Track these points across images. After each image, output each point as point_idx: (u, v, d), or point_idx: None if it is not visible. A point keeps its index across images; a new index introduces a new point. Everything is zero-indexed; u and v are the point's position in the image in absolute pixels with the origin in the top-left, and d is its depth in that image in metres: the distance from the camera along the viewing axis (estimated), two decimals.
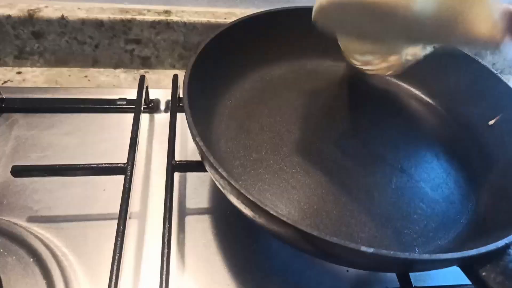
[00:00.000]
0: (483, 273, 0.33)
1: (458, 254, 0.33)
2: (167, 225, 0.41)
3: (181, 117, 0.57)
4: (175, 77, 0.59)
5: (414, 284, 0.41)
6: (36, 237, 0.46)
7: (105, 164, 0.46)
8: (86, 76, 0.68)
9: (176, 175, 0.53)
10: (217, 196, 0.52)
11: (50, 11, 0.63)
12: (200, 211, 0.50)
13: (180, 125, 0.56)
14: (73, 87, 0.65)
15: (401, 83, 0.62)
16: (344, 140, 0.52)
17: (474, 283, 0.34)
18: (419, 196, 0.47)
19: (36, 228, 0.47)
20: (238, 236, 0.48)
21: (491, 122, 0.51)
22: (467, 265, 0.34)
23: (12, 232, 0.45)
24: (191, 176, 0.54)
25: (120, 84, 0.68)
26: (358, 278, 0.46)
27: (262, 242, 0.48)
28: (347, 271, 0.47)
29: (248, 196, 0.33)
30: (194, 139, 0.38)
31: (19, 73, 0.66)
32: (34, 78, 0.66)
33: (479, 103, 0.53)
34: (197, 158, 0.43)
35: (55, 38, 0.64)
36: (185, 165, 0.47)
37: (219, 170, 0.35)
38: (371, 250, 0.31)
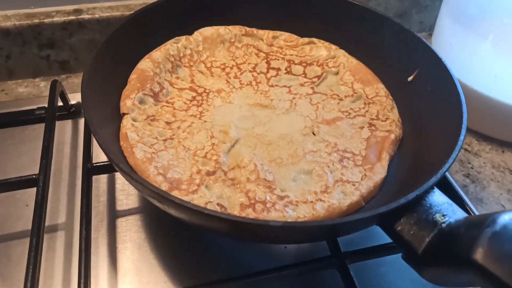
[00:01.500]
0: (398, 228, 0.33)
1: (371, 212, 0.33)
2: (83, 232, 0.39)
3: None
4: None
5: (343, 249, 0.41)
6: None
7: (14, 178, 0.43)
8: (3, 90, 0.64)
9: (103, 178, 0.51)
10: None
11: None
12: (130, 212, 0.49)
13: None
14: None
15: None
16: None
17: (392, 239, 0.34)
18: None
19: None
20: (169, 231, 0.47)
21: (409, 79, 0.50)
22: (385, 223, 0.34)
23: None
24: (120, 178, 0.52)
25: (41, 93, 0.65)
26: (297, 253, 0.46)
27: (194, 234, 0.46)
28: (285, 247, 0.46)
29: (152, 188, 0.32)
30: (95, 136, 0.36)
31: None
32: None
33: (397, 61, 0.52)
34: None
35: None
36: (103, 167, 0.45)
37: (120, 166, 0.34)
38: (279, 223, 0.31)
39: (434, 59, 0.47)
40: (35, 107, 0.58)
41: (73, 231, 0.47)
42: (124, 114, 0.45)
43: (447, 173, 0.52)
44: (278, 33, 0.59)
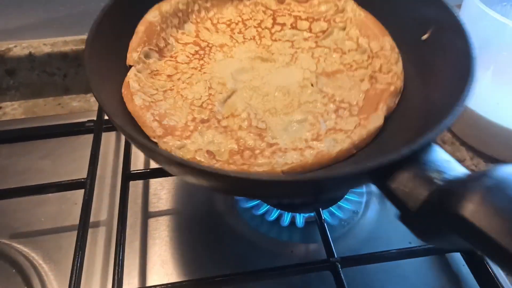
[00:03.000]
0: (392, 185, 0.31)
1: (360, 167, 0.32)
2: (120, 228, 0.47)
3: None
4: None
5: (337, 255, 0.46)
6: (17, 251, 0.52)
7: (66, 180, 0.52)
8: (59, 104, 0.75)
9: (140, 184, 0.60)
10: (174, 199, 0.58)
11: (19, 50, 0.70)
12: (160, 213, 0.56)
13: None
14: (48, 115, 0.72)
15: None
16: None
17: (386, 196, 0.32)
18: None
19: (16, 243, 0.53)
20: (191, 232, 0.54)
21: (424, 37, 0.48)
22: (377, 179, 0.32)
23: None
24: (154, 184, 0.60)
25: (91, 107, 0.74)
26: (299, 255, 0.52)
27: (212, 235, 0.54)
28: (292, 251, 0.52)
29: (139, 140, 0.34)
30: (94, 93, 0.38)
31: None
32: (13, 111, 0.73)
33: (410, 20, 0.50)
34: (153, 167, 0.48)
35: (27, 73, 0.71)
36: (139, 174, 0.54)
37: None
38: (265, 177, 0.33)
39: (448, 15, 0.44)
40: (85, 119, 0.67)
41: (112, 227, 0.55)
42: (130, 65, 0.46)
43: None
44: None
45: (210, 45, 0.51)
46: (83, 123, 0.67)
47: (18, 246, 0.53)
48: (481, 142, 0.65)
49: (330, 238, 0.48)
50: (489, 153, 0.66)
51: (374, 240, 0.54)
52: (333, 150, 0.39)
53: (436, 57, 0.46)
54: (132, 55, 0.46)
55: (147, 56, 0.48)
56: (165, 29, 0.50)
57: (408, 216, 0.31)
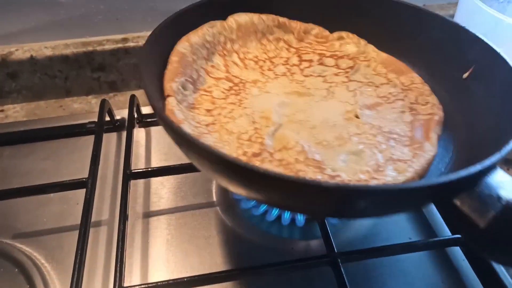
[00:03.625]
0: (458, 202, 0.31)
1: (427, 182, 0.32)
2: (121, 227, 0.47)
3: (144, 132, 0.65)
4: (132, 97, 0.65)
5: (337, 249, 0.46)
6: (20, 250, 0.53)
7: (68, 180, 0.53)
8: (61, 106, 0.75)
9: (141, 183, 0.60)
10: (175, 198, 0.59)
11: (20, 53, 0.71)
12: (161, 212, 0.57)
13: (145, 138, 0.63)
14: (49, 117, 0.73)
15: None
16: None
17: (450, 215, 0.35)
18: None
19: (19, 243, 0.54)
20: (192, 230, 0.55)
21: (465, 75, 0.49)
22: (441, 198, 0.33)
23: None
24: (154, 183, 0.60)
25: (92, 109, 0.75)
26: (300, 251, 0.52)
27: (211, 235, 0.54)
28: (292, 248, 0.52)
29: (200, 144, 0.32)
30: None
31: (1, 111, 0.74)
32: (15, 113, 0.74)
33: (450, 58, 0.51)
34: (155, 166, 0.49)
35: (29, 76, 0.72)
36: (140, 173, 0.54)
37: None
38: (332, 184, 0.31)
39: (490, 52, 0.46)
40: (86, 121, 0.68)
41: (113, 227, 0.55)
42: (168, 96, 0.45)
43: None
44: (310, 26, 0.59)
45: (243, 81, 0.51)
46: (84, 124, 0.68)
47: (21, 246, 0.54)
48: None
49: (330, 233, 0.48)
50: None
51: (373, 236, 0.54)
52: (399, 180, 0.39)
53: (478, 90, 0.47)
54: (171, 86, 0.45)
55: (184, 87, 0.47)
56: (196, 61, 0.50)
57: (475, 234, 0.31)
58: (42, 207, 0.58)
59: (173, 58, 0.48)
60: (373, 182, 0.38)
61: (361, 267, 0.50)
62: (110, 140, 0.67)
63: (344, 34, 0.58)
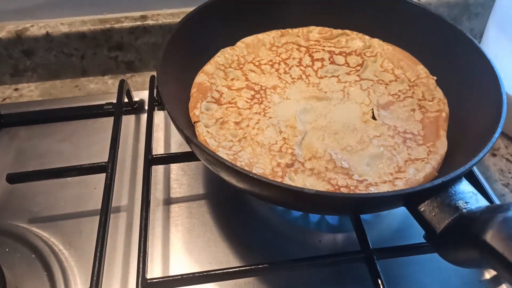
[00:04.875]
0: (421, 209, 0.36)
1: (396, 192, 0.38)
2: (144, 213, 0.45)
3: (163, 115, 0.62)
4: (152, 78, 0.63)
5: (372, 246, 0.44)
6: (37, 235, 0.51)
7: (87, 164, 0.51)
8: (77, 86, 0.73)
9: (160, 169, 0.58)
10: (197, 185, 0.56)
11: (36, 29, 0.68)
12: (182, 200, 0.54)
13: (165, 121, 0.61)
14: (66, 97, 0.70)
15: None
16: None
17: (415, 219, 0.37)
18: None
19: (36, 228, 0.52)
20: (216, 220, 0.52)
21: None
22: (410, 204, 0.38)
23: (16, 233, 0.51)
24: (175, 169, 0.58)
25: (108, 89, 0.72)
26: (331, 246, 0.50)
27: (236, 223, 0.52)
28: (320, 241, 0.50)
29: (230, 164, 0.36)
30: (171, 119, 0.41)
31: (16, 89, 0.72)
32: (30, 92, 0.71)
33: (455, 68, 0.53)
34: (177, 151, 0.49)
35: (44, 54, 0.69)
36: (162, 158, 0.52)
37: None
38: (313, 191, 0.35)
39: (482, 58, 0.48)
40: (103, 102, 0.66)
41: (133, 213, 0.53)
42: (195, 122, 0.49)
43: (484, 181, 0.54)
44: (311, 28, 0.62)
45: (264, 88, 0.54)
46: (101, 105, 0.66)
47: (38, 230, 0.52)
48: None
49: (364, 229, 0.45)
50: None
51: (404, 230, 0.52)
52: (420, 176, 0.43)
53: (465, 96, 0.50)
54: (195, 113, 0.49)
55: (207, 109, 0.51)
56: (215, 83, 0.54)
57: (433, 237, 0.36)
58: (59, 190, 0.56)
59: (193, 90, 0.53)
60: (397, 181, 0.43)
61: (394, 263, 0.47)
62: (128, 122, 0.65)
63: (347, 31, 0.61)
